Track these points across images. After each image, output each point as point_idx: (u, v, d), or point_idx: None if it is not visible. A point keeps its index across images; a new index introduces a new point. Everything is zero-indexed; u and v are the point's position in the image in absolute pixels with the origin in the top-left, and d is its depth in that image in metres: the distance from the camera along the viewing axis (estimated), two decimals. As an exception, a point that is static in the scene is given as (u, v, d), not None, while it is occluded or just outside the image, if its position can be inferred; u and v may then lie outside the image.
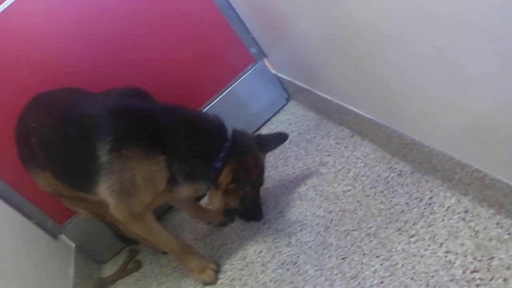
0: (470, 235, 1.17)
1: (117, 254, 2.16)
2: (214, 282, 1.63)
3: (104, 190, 1.44)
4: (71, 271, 1.91)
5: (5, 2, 1.70)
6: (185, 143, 1.46)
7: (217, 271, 1.66)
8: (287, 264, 1.50)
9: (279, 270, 1.50)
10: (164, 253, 1.90)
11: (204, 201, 1.96)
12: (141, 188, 1.45)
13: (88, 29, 1.85)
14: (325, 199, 1.61)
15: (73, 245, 2.05)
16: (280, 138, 1.68)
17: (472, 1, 0.76)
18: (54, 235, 1.99)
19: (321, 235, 1.50)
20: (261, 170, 1.62)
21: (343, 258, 1.38)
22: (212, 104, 2.13)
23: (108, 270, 2.08)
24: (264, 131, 2.20)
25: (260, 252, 1.62)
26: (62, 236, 2.03)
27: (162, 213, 2.14)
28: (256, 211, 1.69)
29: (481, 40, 0.81)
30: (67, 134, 1.52)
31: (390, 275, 1.24)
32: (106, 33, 1.89)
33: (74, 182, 1.62)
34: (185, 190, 1.52)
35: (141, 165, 1.42)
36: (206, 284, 1.64)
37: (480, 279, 1.07)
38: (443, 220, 1.26)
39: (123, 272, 1.98)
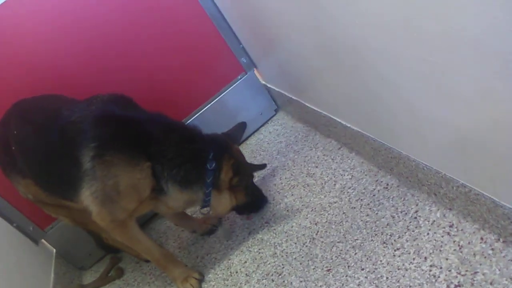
0: (454, 250, 1.18)
1: (98, 261, 2.12)
2: None
3: (87, 197, 1.42)
4: (51, 277, 1.87)
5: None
6: (174, 149, 1.46)
7: (201, 280, 1.64)
8: (271, 275, 1.49)
9: (264, 281, 1.49)
10: (147, 261, 1.88)
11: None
12: (125, 195, 1.43)
13: (77, 34, 1.84)
14: (312, 210, 1.61)
15: (54, 250, 2.02)
16: (241, 127, 1.77)
17: (463, 18, 0.77)
18: (35, 240, 1.95)
19: (306, 246, 1.50)
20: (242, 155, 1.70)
21: (328, 270, 1.38)
22: (201, 112, 2.13)
23: (89, 277, 2.04)
24: (252, 141, 2.21)
25: (245, 262, 1.61)
26: (43, 241, 2.00)
27: (146, 221, 2.12)
28: (260, 197, 1.73)
29: (470, 57, 0.82)
30: (49, 141, 1.50)
31: (374, 288, 1.24)
32: (95, 38, 1.88)
33: (55, 189, 1.59)
34: (177, 199, 1.52)
35: (125, 172, 1.41)
36: None
37: (464, 293, 1.08)
38: (428, 234, 1.27)
39: (104, 280, 1.95)
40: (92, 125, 1.43)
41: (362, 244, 1.38)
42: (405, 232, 1.32)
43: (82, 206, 1.46)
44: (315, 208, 1.61)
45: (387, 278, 1.24)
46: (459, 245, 1.18)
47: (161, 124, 1.52)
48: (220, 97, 2.16)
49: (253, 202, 1.70)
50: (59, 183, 1.53)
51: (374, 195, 1.50)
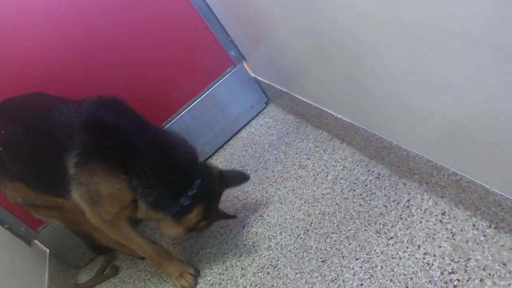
0: (447, 237, 1.19)
1: (93, 259, 2.11)
2: (193, 287, 1.62)
3: (76, 197, 1.42)
4: (45, 277, 1.86)
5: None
6: (154, 168, 1.40)
7: (196, 275, 1.65)
8: (267, 268, 1.50)
9: (259, 274, 1.50)
10: (142, 258, 1.87)
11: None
12: (106, 201, 1.42)
13: (61, 29, 1.81)
14: (305, 202, 1.61)
15: (47, 251, 2.00)
16: (242, 178, 1.64)
17: (451, 9, 0.77)
18: (27, 241, 1.93)
19: (300, 238, 1.51)
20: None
21: (323, 261, 1.39)
22: (191, 106, 2.12)
23: (85, 276, 2.03)
24: (244, 134, 2.20)
25: (240, 256, 1.61)
26: (36, 242, 1.98)
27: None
28: None
29: (459, 48, 0.82)
30: (39, 142, 1.48)
31: (369, 277, 1.25)
32: (80, 33, 1.85)
33: (48, 188, 1.58)
34: (141, 214, 1.47)
35: (105, 181, 1.39)
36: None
37: (458, 280, 1.09)
38: (420, 222, 1.28)
39: (100, 278, 1.94)
40: (78, 131, 1.40)
41: (355, 234, 1.39)
42: (398, 221, 1.33)
43: (75, 204, 1.45)
44: (308, 200, 1.61)
45: (381, 267, 1.25)
46: (451, 233, 1.20)
47: (149, 137, 1.45)
48: (209, 91, 2.14)
49: None
50: (52, 182, 1.52)
51: (366, 185, 1.51)
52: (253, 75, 2.23)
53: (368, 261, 1.29)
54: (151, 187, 1.40)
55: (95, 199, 1.41)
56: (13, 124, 1.56)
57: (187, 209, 1.46)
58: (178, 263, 1.66)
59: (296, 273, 1.41)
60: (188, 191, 1.44)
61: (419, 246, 1.22)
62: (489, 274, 1.06)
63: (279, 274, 1.45)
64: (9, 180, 1.62)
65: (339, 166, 1.65)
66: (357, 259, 1.32)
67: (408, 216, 1.32)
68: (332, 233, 1.45)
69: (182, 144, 1.50)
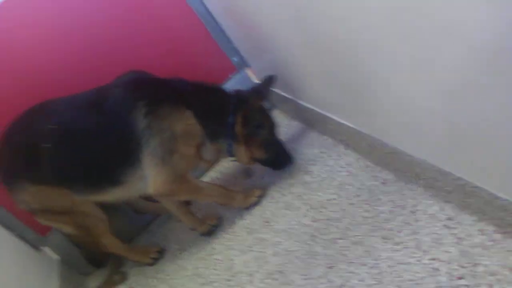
0: (454, 242, 1.20)
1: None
2: (259, 200, 1.80)
3: (146, 157, 1.52)
4: (54, 284, 1.87)
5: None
6: (202, 103, 1.63)
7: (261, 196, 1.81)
8: (274, 274, 1.50)
9: (267, 280, 1.50)
10: (150, 264, 1.89)
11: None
12: (181, 142, 1.55)
13: (68, 38, 1.84)
14: (311, 208, 1.62)
15: (56, 257, 2.01)
16: (269, 80, 1.82)
17: (450, 13, 0.78)
18: (36, 247, 1.95)
19: (307, 244, 1.51)
20: (267, 113, 1.82)
21: (330, 267, 1.39)
22: (195, 114, 2.13)
23: (93, 282, 2.04)
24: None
25: (247, 262, 1.62)
26: (45, 248, 1.99)
27: (146, 224, 2.12)
28: (284, 156, 1.83)
29: (458, 51, 0.84)
30: (100, 123, 1.57)
31: (377, 284, 1.25)
32: (88, 43, 1.88)
33: (105, 174, 1.63)
34: (209, 151, 1.65)
35: (176, 120, 1.55)
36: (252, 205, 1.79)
37: (466, 285, 1.10)
38: (427, 227, 1.28)
39: (108, 284, 1.95)
40: (135, 89, 1.60)
41: (362, 240, 1.39)
42: (404, 227, 1.33)
43: (136, 183, 1.58)
44: (314, 206, 1.62)
45: (389, 273, 1.25)
46: (458, 238, 1.20)
47: (185, 81, 1.68)
48: (213, 97, 2.15)
49: (272, 159, 1.80)
50: (114, 161, 1.59)
51: (372, 191, 1.51)
52: (257, 81, 2.24)
53: (375, 266, 1.30)
54: (205, 120, 1.62)
55: (170, 148, 1.53)
56: (65, 118, 1.63)
57: (234, 125, 1.68)
58: (241, 192, 1.82)
59: (303, 279, 1.42)
60: (230, 110, 1.67)
61: (426, 252, 1.23)
62: (498, 280, 1.06)
63: (286, 280, 1.45)
64: (30, 183, 1.63)
65: (345, 171, 1.66)
66: (364, 265, 1.32)
67: (414, 221, 1.32)
68: (338, 239, 1.45)
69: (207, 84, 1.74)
